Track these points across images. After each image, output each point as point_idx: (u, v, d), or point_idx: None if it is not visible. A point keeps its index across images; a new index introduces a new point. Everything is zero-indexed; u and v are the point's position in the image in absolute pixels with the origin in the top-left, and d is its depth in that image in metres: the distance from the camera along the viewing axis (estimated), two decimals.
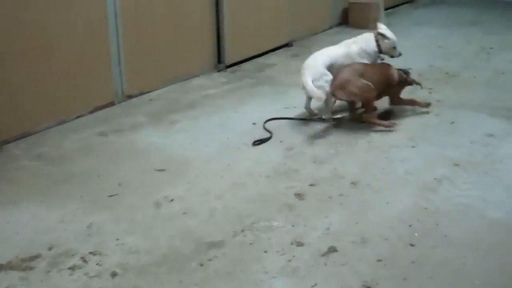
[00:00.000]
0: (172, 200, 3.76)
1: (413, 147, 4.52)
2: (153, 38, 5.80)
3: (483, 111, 5.24)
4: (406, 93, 5.15)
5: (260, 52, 7.19)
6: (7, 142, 4.59)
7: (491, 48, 7.46)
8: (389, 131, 4.75)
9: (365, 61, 5.00)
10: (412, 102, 5.11)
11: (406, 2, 10.75)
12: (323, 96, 4.67)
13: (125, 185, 3.97)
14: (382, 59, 5.18)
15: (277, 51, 7.40)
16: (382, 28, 5.12)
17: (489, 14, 9.69)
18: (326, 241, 3.28)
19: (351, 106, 4.95)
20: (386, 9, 9.32)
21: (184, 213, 3.62)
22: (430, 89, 5.71)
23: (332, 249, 3.21)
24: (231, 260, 3.14)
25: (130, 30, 5.51)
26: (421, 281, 2.98)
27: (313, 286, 2.93)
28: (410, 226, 3.44)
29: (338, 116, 5.01)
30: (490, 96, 5.65)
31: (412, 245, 3.26)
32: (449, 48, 7.48)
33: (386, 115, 5.06)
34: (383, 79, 4.81)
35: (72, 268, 3.08)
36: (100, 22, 5.23)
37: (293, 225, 3.46)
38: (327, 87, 4.75)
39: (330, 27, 8.68)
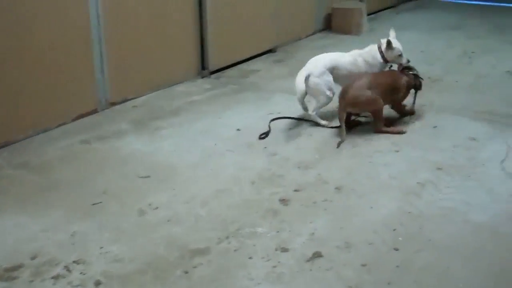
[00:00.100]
0: (156, 207, 3.75)
1: (397, 151, 4.54)
2: (137, 45, 5.78)
3: (465, 115, 5.28)
4: None
5: (244, 58, 7.18)
6: None
7: (472, 52, 7.51)
8: (400, 134, 4.84)
9: (372, 71, 5.11)
10: (411, 112, 5.18)
11: (389, 7, 10.81)
12: (303, 88, 4.84)
13: (109, 193, 3.95)
14: (391, 67, 5.22)
15: (261, 57, 7.40)
16: (391, 36, 5.19)
17: (472, 19, 9.76)
18: (311, 247, 3.29)
19: (348, 114, 4.99)
20: (368, 14, 9.37)
21: (168, 220, 3.61)
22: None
23: (317, 255, 3.22)
24: (216, 267, 3.14)
25: (113, 37, 5.48)
26: (405, 285, 2.99)
27: None
28: (394, 230, 3.46)
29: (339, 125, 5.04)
30: (472, 100, 5.70)
31: (396, 249, 3.28)
32: (432, 52, 7.52)
33: (391, 121, 5.06)
34: (390, 87, 4.90)
35: (56, 277, 3.06)
36: (83, 30, 5.20)
37: (277, 231, 3.46)
38: (323, 87, 4.94)
39: (314, 33, 8.69)
